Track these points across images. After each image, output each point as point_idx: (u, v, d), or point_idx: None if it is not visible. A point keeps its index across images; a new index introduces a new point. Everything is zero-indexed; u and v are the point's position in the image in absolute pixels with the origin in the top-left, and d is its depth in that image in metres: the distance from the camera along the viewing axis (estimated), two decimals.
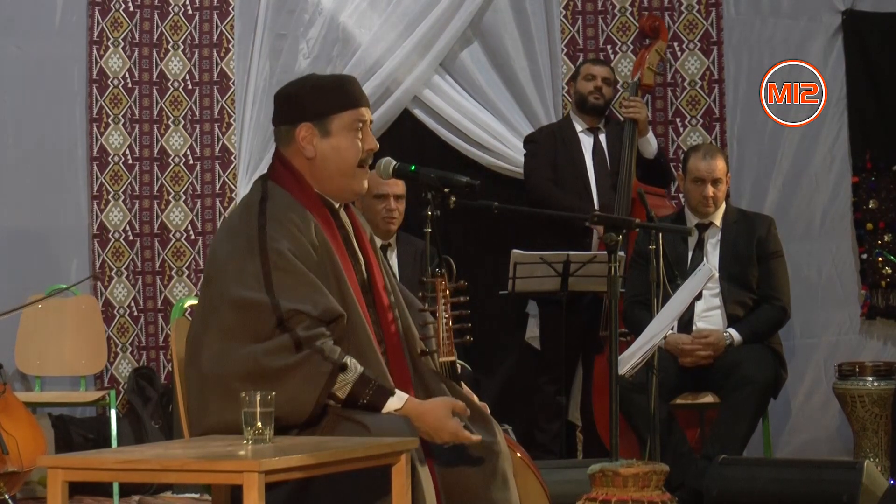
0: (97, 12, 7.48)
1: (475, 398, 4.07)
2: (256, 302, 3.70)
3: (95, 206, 7.50)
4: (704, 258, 6.50)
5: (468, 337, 3.98)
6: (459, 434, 3.77)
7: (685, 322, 6.38)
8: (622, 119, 7.20)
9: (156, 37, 7.58)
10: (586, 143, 7.18)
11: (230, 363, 3.68)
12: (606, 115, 7.27)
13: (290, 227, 3.80)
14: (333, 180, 3.93)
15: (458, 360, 4.10)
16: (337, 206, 3.98)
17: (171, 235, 7.60)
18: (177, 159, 7.61)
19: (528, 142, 7.31)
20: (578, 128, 7.21)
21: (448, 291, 3.97)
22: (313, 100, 3.92)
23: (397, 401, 3.76)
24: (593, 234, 6.98)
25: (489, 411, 4.04)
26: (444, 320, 3.97)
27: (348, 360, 3.73)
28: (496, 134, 7.58)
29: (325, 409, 3.73)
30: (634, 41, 7.58)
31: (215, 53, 7.63)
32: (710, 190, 6.49)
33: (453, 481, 3.87)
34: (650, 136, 7.17)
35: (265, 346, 3.67)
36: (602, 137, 7.20)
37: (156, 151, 7.59)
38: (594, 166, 7.12)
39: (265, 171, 4.04)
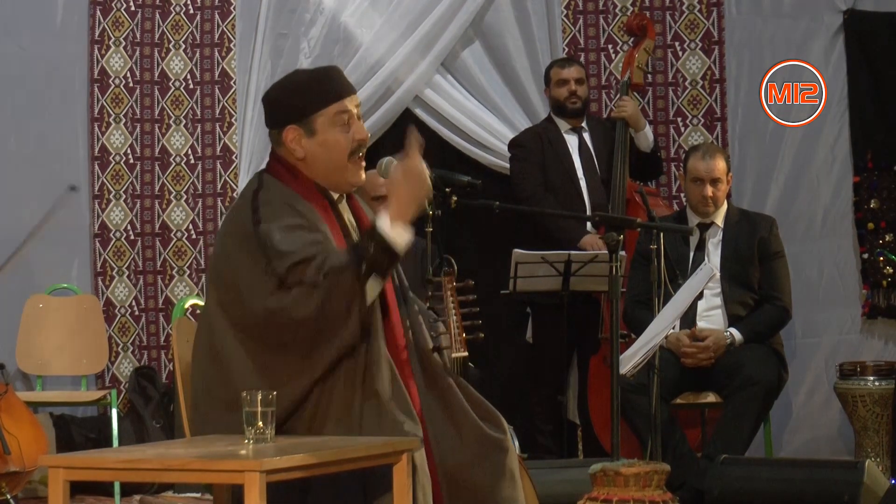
0: (98, 12, 7.49)
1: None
2: (260, 274, 3.71)
3: (97, 205, 7.50)
4: (706, 258, 6.50)
5: (479, 333, 3.99)
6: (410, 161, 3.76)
7: (687, 321, 6.38)
8: (614, 120, 7.18)
9: (157, 36, 7.58)
10: (572, 143, 7.16)
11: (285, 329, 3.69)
12: (587, 112, 7.26)
13: (285, 208, 3.81)
14: (328, 176, 3.93)
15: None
16: (335, 196, 3.98)
17: (172, 235, 7.60)
18: (178, 159, 7.61)
19: (515, 146, 7.24)
20: (562, 128, 7.18)
21: (455, 289, 3.99)
22: (294, 101, 3.91)
23: (383, 222, 3.73)
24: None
25: None
26: (454, 318, 3.98)
27: (347, 255, 3.71)
28: (497, 133, 7.58)
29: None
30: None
31: (216, 53, 7.63)
32: (710, 190, 6.49)
33: (461, 479, 3.87)
34: (647, 129, 7.16)
35: (290, 300, 3.66)
36: (586, 136, 7.18)
37: (157, 151, 7.59)
38: (582, 166, 7.11)
39: (256, 172, 4.04)
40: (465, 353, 4.02)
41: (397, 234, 3.71)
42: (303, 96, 3.91)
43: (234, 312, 3.76)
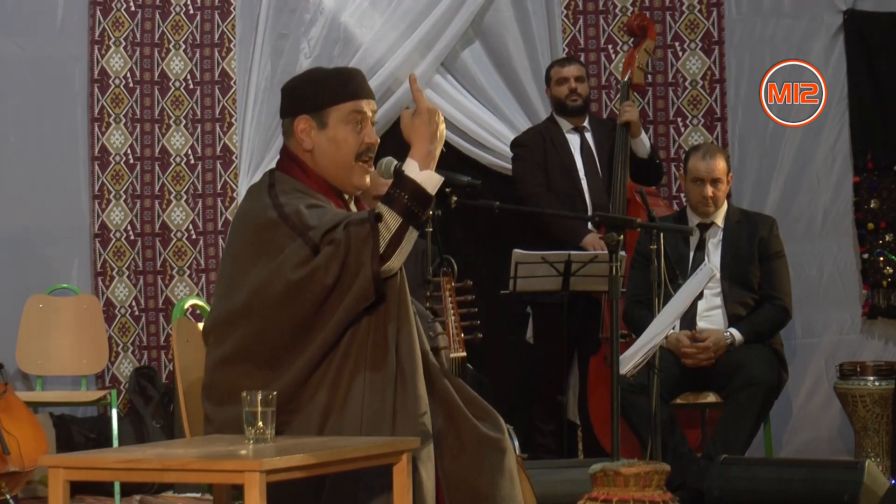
0: (98, 12, 7.49)
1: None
2: (293, 248, 3.73)
3: (97, 205, 7.50)
4: (706, 258, 6.50)
5: (478, 334, 3.99)
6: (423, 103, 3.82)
7: (687, 321, 6.39)
8: (618, 123, 7.19)
9: (157, 36, 7.58)
10: (574, 142, 7.17)
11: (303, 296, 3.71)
12: (589, 112, 7.26)
13: (303, 196, 3.83)
14: (332, 173, 3.94)
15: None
16: (347, 196, 3.99)
17: (172, 235, 7.60)
18: (178, 159, 7.61)
19: (517, 145, 7.26)
20: (564, 128, 7.19)
21: (454, 290, 4.00)
22: (312, 92, 3.93)
23: (412, 168, 3.77)
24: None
25: None
26: (452, 318, 3.99)
27: (377, 208, 3.74)
28: (497, 133, 7.59)
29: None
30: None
31: (216, 53, 7.63)
32: (710, 190, 6.49)
33: (459, 478, 3.87)
34: (643, 136, 7.17)
35: (321, 264, 3.69)
36: (588, 136, 7.19)
37: (157, 151, 7.59)
38: (584, 166, 7.12)
39: (266, 170, 4.05)
40: (464, 354, 4.02)
41: (427, 175, 3.75)
42: (321, 88, 3.93)
43: (245, 304, 3.77)
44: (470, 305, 4.01)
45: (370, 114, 3.95)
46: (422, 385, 3.76)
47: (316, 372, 3.74)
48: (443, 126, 3.82)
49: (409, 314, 3.79)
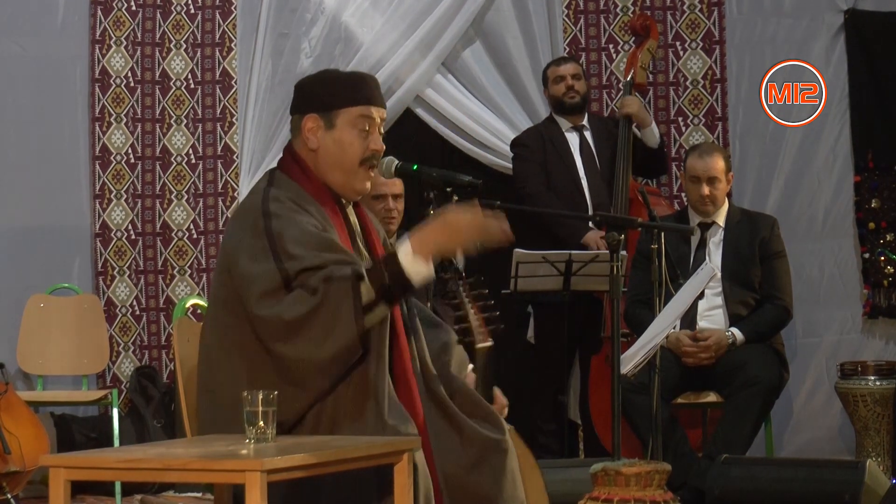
0: (99, 11, 7.49)
1: (503, 398, 4.15)
2: (266, 271, 3.69)
3: (98, 205, 7.50)
4: (707, 257, 6.50)
5: (501, 325, 4.01)
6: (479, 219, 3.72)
7: (688, 321, 6.39)
8: (617, 119, 7.19)
9: (158, 36, 7.58)
10: (573, 141, 7.18)
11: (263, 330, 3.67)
12: (587, 111, 7.26)
13: (296, 207, 3.80)
14: (335, 175, 3.92)
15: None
16: (345, 201, 3.98)
17: (173, 235, 7.60)
18: (179, 158, 7.61)
19: (517, 145, 7.27)
20: (563, 127, 7.20)
21: (468, 284, 4.00)
22: (324, 91, 3.93)
23: (404, 250, 3.69)
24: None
25: (507, 409, 4.10)
26: (472, 310, 3.98)
27: (360, 267, 3.69)
28: (498, 133, 7.59)
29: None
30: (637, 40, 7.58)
31: (217, 53, 7.63)
32: (706, 189, 6.48)
33: (462, 482, 3.86)
34: (653, 126, 7.17)
35: (285, 304, 3.65)
36: (588, 135, 7.19)
37: (158, 151, 7.59)
38: (583, 165, 7.12)
39: (267, 169, 4.04)
40: (491, 343, 4.03)
41: (417, 266, 3.69)
42: (333, 89, 3.92)
43: (235, 308, 3.76)
44: (487, 298, 4.02)
45: (379, 121, 3.93)
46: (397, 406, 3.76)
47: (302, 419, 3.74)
48: (466, 242, 3.73)
49: (385, 347, 3.75)
